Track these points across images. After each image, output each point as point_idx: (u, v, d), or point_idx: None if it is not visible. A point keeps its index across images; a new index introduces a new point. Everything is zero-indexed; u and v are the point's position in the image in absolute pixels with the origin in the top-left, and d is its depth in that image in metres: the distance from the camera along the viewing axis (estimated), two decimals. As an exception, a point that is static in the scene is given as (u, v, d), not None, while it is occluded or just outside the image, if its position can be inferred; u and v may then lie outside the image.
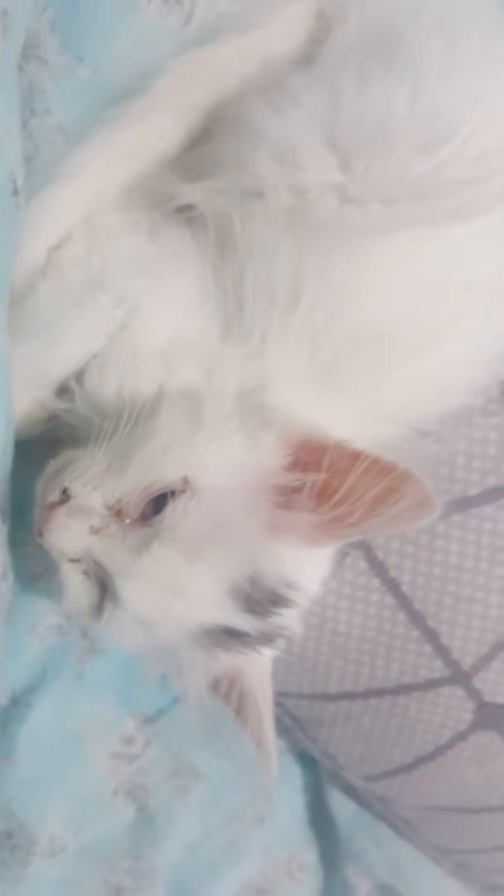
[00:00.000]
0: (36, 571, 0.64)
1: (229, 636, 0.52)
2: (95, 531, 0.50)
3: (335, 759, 0.76)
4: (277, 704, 0.73)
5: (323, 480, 0.51)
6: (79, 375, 0.57)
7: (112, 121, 0.58)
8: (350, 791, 0.89)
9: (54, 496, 0.51)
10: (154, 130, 0.59)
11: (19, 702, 0.73)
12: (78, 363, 0.57)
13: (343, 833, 0.95)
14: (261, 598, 0.51)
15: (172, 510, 0.50)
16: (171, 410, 0.52)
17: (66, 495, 0.51)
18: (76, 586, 0.53)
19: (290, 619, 0.54)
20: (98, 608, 0.52)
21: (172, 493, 0.50)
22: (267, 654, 0.57)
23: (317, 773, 0.96)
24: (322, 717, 0.71)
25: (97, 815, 0.80)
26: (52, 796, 0.76)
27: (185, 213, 0.59)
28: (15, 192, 0.52)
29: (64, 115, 0.57)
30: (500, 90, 0.54)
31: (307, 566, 0.54)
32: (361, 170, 0.52)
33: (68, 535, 0.50)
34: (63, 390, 0.57)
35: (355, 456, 0.50)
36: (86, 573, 0.52)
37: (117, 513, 0.51)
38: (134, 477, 0.50)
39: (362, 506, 0.49)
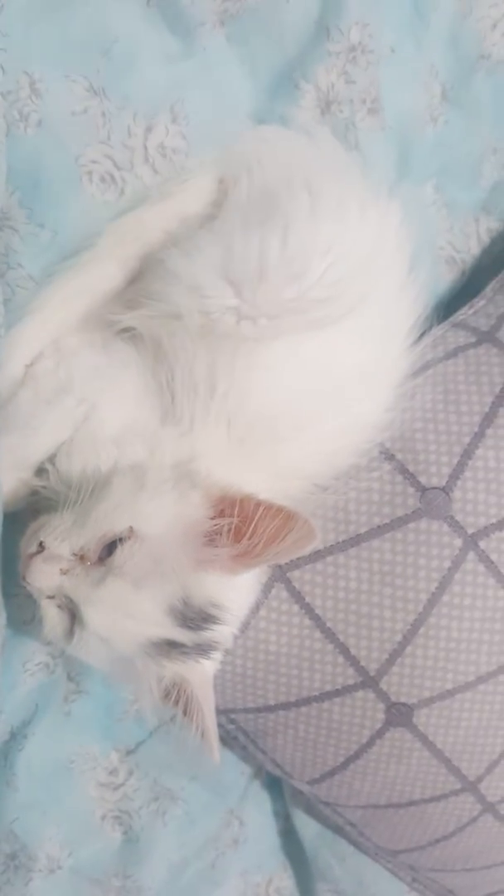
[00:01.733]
0: (26, 617, 0.76)
1: (171, 647, 0.67)
2: (64, 572, 0.65)
3: (283, 768, 0.87)
4: (231, 721, 0.85)
5: (236, 524, 0.66)
6: (52, 458, 0.69)
7: (69, 269, 0.72)
8: (307, 807, 0.98)
9: (33, 548, 0.66)
10: (100, 275, 0.73)
11: (17, 734, 0.82)
12: (51, 449, 0.69)
13: (310, 853, 1.03)
14: (193, 616, 0.66)
15: (121, 552, 0.64)
16: (121, 479, 0.68)
17: (41, 547, 0.66)
18: (52, 617, 0.67)
19: (220, 634, 0.69)
20: (69, 633, 0.67)
21: (121, 540, 0.65)
22: (206, 664, 0.71)
23: (285, 799, 1.05)
24: (266, 728, 0.82)
25: (88, 838, 0.88)
26: (48, 819, 0.84)
27: (129, 332, 0.75)
28: (-3, 328, 0.69)
29: (33, 267, 0.71)
30: (351, 232, 0.73)
31: (230, 590, 0.69)
32: (250, 295, 0.65)
33: (44, 576, 0.65)
34: (40, 471, 0.69)
35: (258, 504, 0.66)
36: (59, 606, 0.67)
37: (80, 557, 0.66)
38: (92, 529, 0.65)
39: (263, 540, 0.65)
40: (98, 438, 0.69)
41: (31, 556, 0.66)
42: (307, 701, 0.79)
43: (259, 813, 1.03)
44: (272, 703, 0.80)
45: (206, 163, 0.74)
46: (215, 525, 0.67)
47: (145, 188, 0.74)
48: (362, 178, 0.77)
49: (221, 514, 0.68)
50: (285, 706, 0.80)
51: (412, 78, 0.81)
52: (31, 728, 0.82)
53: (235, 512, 0.67)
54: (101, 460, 0.68)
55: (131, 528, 0.65)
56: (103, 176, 0.75)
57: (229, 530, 0.67)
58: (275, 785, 1.03)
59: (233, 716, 0.83)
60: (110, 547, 0.65)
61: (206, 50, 0.73)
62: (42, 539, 0.66)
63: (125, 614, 0.65)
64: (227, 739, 0.89)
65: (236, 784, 0.97)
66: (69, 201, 0.72)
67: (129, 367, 0.71)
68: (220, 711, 0.81)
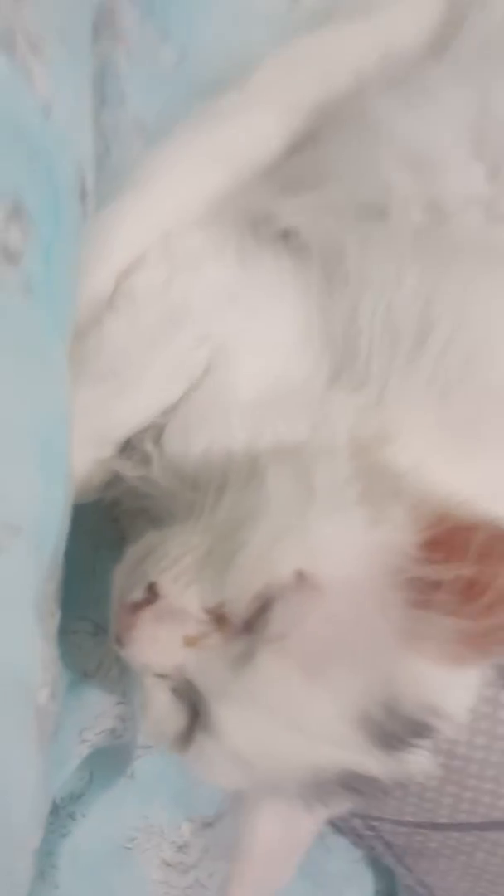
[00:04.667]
0: (88, 667, 0.56)
1: (353, 781, 0.43)
2: (191, 642, 0.42)
3: (432, 891, 0.68)
4: (369, 828, 0.67)
5: (469, 573, 0.41)
6: (156, 436, 0.50)
7: (200, 118, 0.51)
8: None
9: (138, 594, 0.42)
10: (250, 132, 0.52)
11: (60, 811, 0.63)
12: (149, 417, 0.50)
13: None
14: (398, 730, 0.42)
15: (283, 613, 0.40)
16: (279, 479, 0.44)
17: (153, 593, 0.42)
18: (161, 708, 0.44)
19: (420, 755, 0.44)
20: (186, 737, 0.44)
21: (281, 592, 0.41)
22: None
23: (388, 879, 0.88)
24: (424, 848, 0.63)
25: None
26: None
27: (284, 237, 0.52)
28: (83, 195, 0.43)
29: (142, 108, 0.50)
30: None
31: (454, 684, 0.44)
32: None
33: (157, 647, 0.42)
34: (129, 448, 0.51)
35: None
36: (174, 691, 0.44)
37: (218, 618, 0.42)
38: (241, 576, 0.41)
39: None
40: (232, 404, 0.49)
41: (136, 606, 0.42)
42: (501, 825, 0.51)
43: (361, 892, 0.85)
44: (443, 821, 0.60)
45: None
46: (434, 571, 0.41)
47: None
48: None
49: (441, 550, 0.42)
50: (463, 827, 0.56)
51: None
52: (83, 805, 0.63)
53: (469, 552, 0.41)
54: (236, 442, 0.48)
55: (300, 571, 0.41)
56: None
57: (456, 583, 0.41)
58: (379, 863, 0.85)
59: (375, 823, 0.64)
60: (264, 604, 0.41)
61: None
62: (154, 578, 0.42)
63: (287, 723, 0.41)
64: (343, 829, 0.72)
65: (341, 871, 0.81)
66: (210, 3, 0.49)
67: (282, 292, 0.51)
68: (358, 815, 0.64)
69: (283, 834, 0.49)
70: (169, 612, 0.42)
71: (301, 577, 0.40)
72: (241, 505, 0.44)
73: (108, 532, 0.56)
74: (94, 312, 0.49)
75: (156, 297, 0.50)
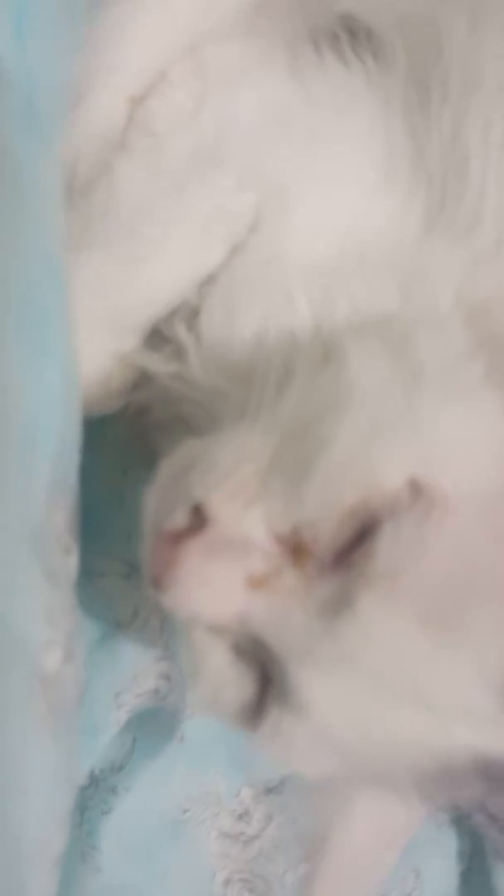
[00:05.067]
0: (121, 617, 0.50)
1: (494, 770, 0.32)
2: (257, 583, 0.32)
3: None
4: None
5: None
6: (191, 319, 0.41)
7: None
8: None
9: (180, 519, 0.32)
10: None
11: (100, 784, 0.57)
12: (180, 291, 0.40)
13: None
14: None
15: (393, 540, 0.30)
16: (368, 359, 0.34)
17: (200, 518, 0.32)
18: (218, 672, 0.34)
19: None
20: (255, 710, 0.34)
21: (392, 513, 0.31)
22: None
23: (475, 838, 0.80)
24: None
25: None
26: None
27: (352, 37, 0.41)
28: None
29: None
30: None
31: None
32: None
33: (210, 590, 0.32)
34: (157, 338, 0.42)
35: None
36: (237, 649, 0.34)
37: (294, 550, 0.32)
38: (327, 487, 0.31)
39: None
40: (292, 266, 0.39)
41: (178, 536, 0.32)
42: None
43: (441, 857, 0.78)
44: None
45: None
46: None
47: None
48: None
49: None
50: None
51: None
52: (126, 777, 0.57)
53: None
54: (300, 317, 0.38)
55: (413, 480, 0.31)
56: None
57: None
58: (462, 822, 0.79)
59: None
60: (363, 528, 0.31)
61: None
62: (201, 497, 0.32)
63: (401, 695, 0.31)
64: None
65: (422, 836, 0.73)
66: None
67: (353, 112, 0.41)
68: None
69: (380, 830, 0.39)
70: (224, 543, 0.32)
71: (416, 489, 0.30)
72: (316, 396, 0.34)
73: (139, 451, 0.47)
74: (102, 155, 0.40)
75: (182, 127, 0.40)
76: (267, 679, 0.34)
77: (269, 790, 0.65)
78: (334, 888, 0.41)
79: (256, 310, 0.39)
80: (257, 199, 0.40)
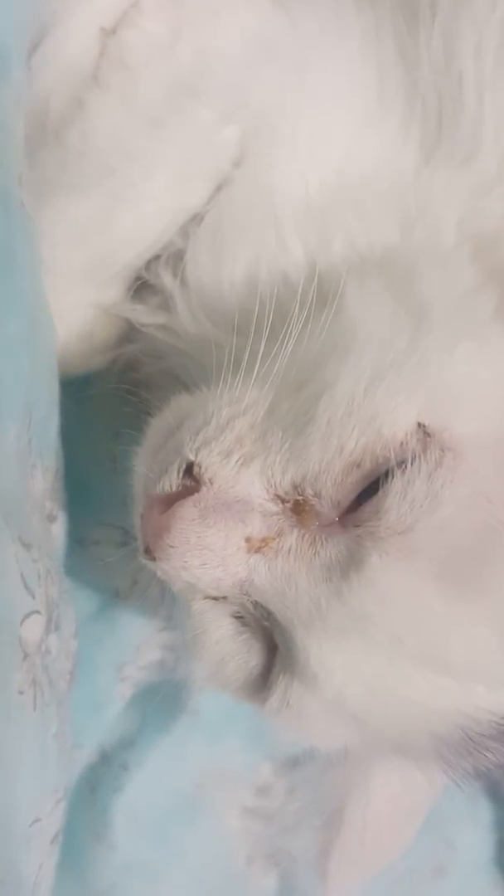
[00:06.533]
0: (119, 586, 0.49)
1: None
2: (257, 546, 0.30)
3: None
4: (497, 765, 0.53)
5: None
6: (176, 264, 0.39)
7: None
8: None
9: (172, 481, 0.31)
10: None
11: (112, 761, 0.57)
12: (162, 234, 0.38)
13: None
14: None
15: (403, 491, 0.29)
16: (368, 299, 0.32)
17: (194, 479, 0.31)
18: (221, 642, 0.33)
19: None
20: (262, 681, 0.33)
21: (401, 465, 0.29)
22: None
23: None
24: None
25: (228, 892, 0.65)
26: (164, 883, 0.61)
27: None
28: None
29: None
30: None
31: None
32: None
33: (207, 556, 0.30)
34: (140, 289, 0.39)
35: None
36: (239, 617, 0.33)
37: (296, 508, 0.30)
38: (329, 437, 0.29)
39: None
40: (281, 203, 0.37)
41: (170, 499, 0.31)
42: None
43: (474, 827, 0.77)
44: None
45: None
46: None
47: None
48: None
49: None
50: None
51: None
52: (137, 753, 0.56)
53: None
54: (293, 257, 0.36)
55: (422, 425, 0.29)
56: None
57: None
58: (496, 791, 0.78)
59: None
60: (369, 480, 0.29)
61: None
62: (192, 456, 0.31)
63: (418, 658, 0.29)
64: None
65: (453, 809, 0.73)
66: None
67: (341, 37, 0.38)
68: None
69: (399, 800, 0.38)
70: (220, 505, 0.30)
71: (426, 436, 0.28)
72: (314, 342, 0.32)
73: (132, 411, 0.45)
74: (75, 91, 0.37)
75: (159, 59, 0.38)
76: (273, 648, 0.33)
77: (291, 763, 0.65)
78: (351, 860, 0.40)
79: (246, 251, 0.37)
80: (242, 132, 0.37)
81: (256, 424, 0.31)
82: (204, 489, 0.30)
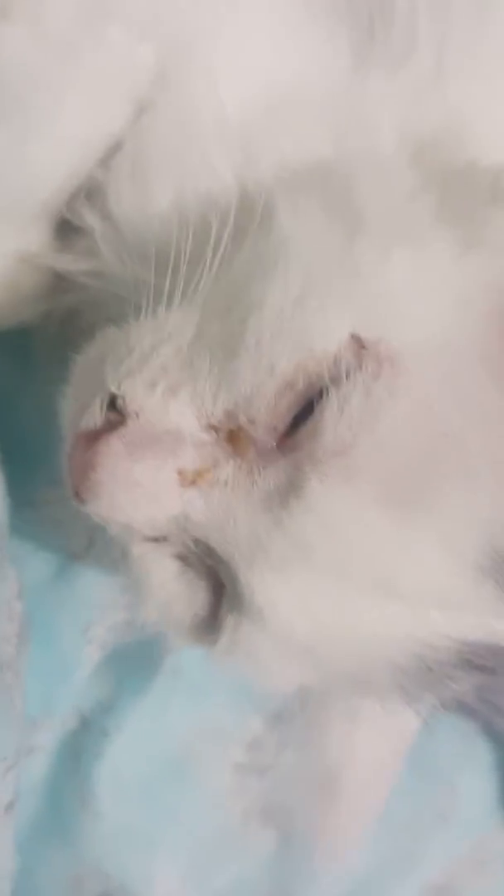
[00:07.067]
0: (74, 547, 0.48)
1: (479, 656, 0.30)
2: (191, 478, 0.29)
3: None
4: (485, 702, 0.55)
5: None
6: (99, 200, 0.37)
7: None
8: None
9: (95, 415, 0.30)
10: None
11: (91, 726, 0.56)
12: (82, 163, 0.37)
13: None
14: None
15: (339, 410, 0.28)
16: (298, 212, 0.31)
17: (119, 413, 0.30)
18: (164, 586, 0.33)
19: None
20: (210, 622, 0.32)
21: (334, 382, 0.28)
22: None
23: None
24: None
25: (225, 856, 0.64)
26: (157, 847, 0.61)
27: None
28: None
29: None
30: None
31: None
32: None
33: (138, 493, 0.29)
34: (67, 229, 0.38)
35: None
36: (181, 559, 0.32)
37: (229, 436, 0.29)
38: (259, 357, 0.28)
39: None
40: (201, 122, 0.35)
41: (95, 435, 0.30)
42: None
43: (474, 769, 0.76)
44: None
45: None
46: None
47: None
48: None
49: None
50: None
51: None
52: (115, 717, 0.55)
53: None
54: (219, 179, 0.35)
55: (357, 337, 0.28)
56: None
57: None
58: (496, 733, 0.78)
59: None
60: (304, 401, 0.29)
61: None
62: (115, 389, 0.30)
63: (365, 585, 0.29)
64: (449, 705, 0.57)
65: (449, 753, 0.72)
66: None
67: None
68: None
69: (379, 742, 0.37)
70: (148, 437, 0.29)
71: (361, 348, 0.27)
72: (241, 262, 0.31)
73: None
74: None
75: None
76: (219, 587, 0.32)
77: (280, 716, 0.64)
78: (343, 821, 0.39)
79: (170, 177, 0.35)
80: (159, 50, 0.35)
81: (182, 351, 0.30)
82: (130, 422, 0.29)
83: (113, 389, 0.30)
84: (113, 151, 0.37)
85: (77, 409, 0.31)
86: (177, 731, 0.61)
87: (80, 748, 0.57)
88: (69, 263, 0.39)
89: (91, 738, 0.56)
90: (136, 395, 0.30)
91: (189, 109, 0.36)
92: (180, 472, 0.29)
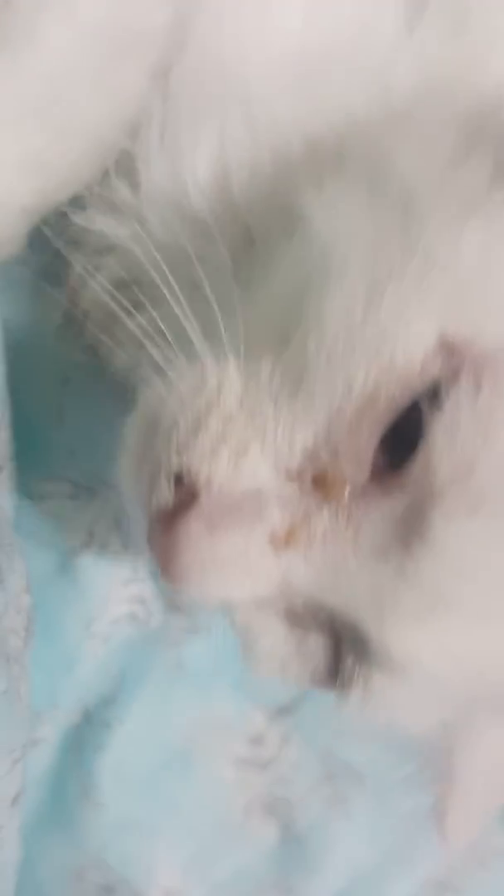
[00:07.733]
0: (75, 541, 0.47)
1: None
2: (284, 540, 0.27)
3: None
4: None
5: None
6: (129, 172, 0.34)
7: None
8: None
9: (164, 494, 0.27)
10: None
11: (94, 719, 0.56)
12: (107, 136, 0.34)
13: None
14: None
15: (446, 431, 0.24)
16: (338, 204, 0.28)
17: (188, 486, 0.27)
18: (275, 650, 0.31)
19: None
20: (332, 673, 0.30)
21: (433, 395, 0.25)
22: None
23: None
24: None
25: (226, 849, 0.65)
26: (158, 839, 0.61)
27: None
28: None
29: None
30: None
31: None
32: None
33: (232, 569, 0.27)
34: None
35: None
36: (291, 616, 0.30)
37: (317, 482, 0.27)
38: (328, 383, 0.25)
39: None
40: (234, 83, 0.32)
41: (172, 514, 0.27)
42: None
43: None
44: None
45: None
46: None
47: None
48: None
49: None
50: None
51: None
52: (118, 710, 0.56)
53: None
54: (246, 146, 0.32)
55: (445, 340, 0.25)
56: None
57: None
58: None
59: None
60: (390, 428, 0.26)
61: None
62: (178, 466, 0.27)
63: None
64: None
65: None
66: None
67: None
68: None
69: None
70: (227, 506, 0.27)
71: (449, 352, 0.24)
72: (280, 282, 0.28)
73: (80, 359, 0.43)
74: None
75: None
76: (335, 636, 0.29)
77: (283, 711, 0.64)
78: (468, 816, 0.39)
79: (203, 143, 0.32)
80: (176, 12, 0.32)
81: (237, 405, 0.27)
82: (203, 496, 0.26)
83: (175, 468, 0.27)
84: (140, 122, 0.34)
85: (144, 489, 0.28)
86: (179, 724, 0.61)
87: (83, 741, 0.57)
88: (112, 227, 0.35)
89: (94, 731, 0.56)
90: (201, 466, 0.27)
91: (216, 72, 0.33)
92: (271, 536, 0.27)
